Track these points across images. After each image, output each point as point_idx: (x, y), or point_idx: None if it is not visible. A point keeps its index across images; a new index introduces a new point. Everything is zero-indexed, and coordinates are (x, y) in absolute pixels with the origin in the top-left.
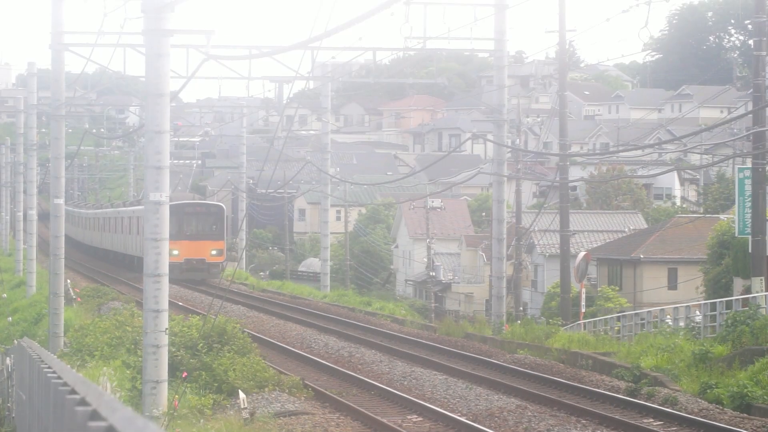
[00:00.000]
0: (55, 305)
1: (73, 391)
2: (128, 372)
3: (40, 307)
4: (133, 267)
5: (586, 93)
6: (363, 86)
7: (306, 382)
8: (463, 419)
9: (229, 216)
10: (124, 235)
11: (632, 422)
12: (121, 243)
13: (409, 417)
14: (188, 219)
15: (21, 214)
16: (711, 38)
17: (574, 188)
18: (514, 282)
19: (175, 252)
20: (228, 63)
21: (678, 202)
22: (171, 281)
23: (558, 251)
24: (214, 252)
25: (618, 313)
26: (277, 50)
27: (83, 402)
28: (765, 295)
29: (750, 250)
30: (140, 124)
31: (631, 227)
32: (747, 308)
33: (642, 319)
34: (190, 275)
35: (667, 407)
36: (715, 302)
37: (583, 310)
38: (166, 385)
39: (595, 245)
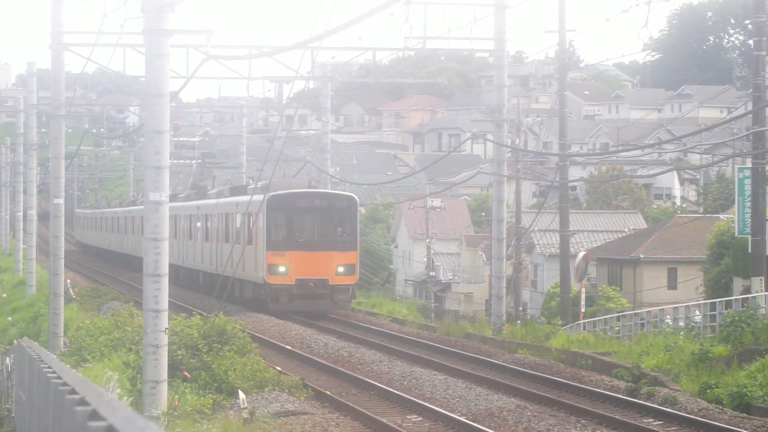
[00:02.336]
0: (55, 305)
1: (73, 391)
2: (128, 372)
3: (38, 307)
4: (198, 285)
5: (586, 93)
6: (363, 86)
7: (306, 382)
8: (462, 419)
9: None
10: (179, 242)
11: (632, 422)
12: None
13: (408, 417)
14: (302, 217)
15: (21, 214)
16: (711, 38)
17: (574, 188)
18: (513, 282)
19: (282, 269)
20: (228, 63)
21: (678, 202)
22: (277, 314)
23: (558, 251)
24: (341, 269)
25: (618, 313)
26: (277, 50)
27: (83, 402)
28: (765, 295)
29: (750, 250)
30: (140, 124)
31: (631, 227)
32: (745, 308)
33: (642, 319)
34: (305, 304)
35: (666, 407)
36: (715, 302)
37: (583, 310)
38: (165, 385)
39: (595, 245)
